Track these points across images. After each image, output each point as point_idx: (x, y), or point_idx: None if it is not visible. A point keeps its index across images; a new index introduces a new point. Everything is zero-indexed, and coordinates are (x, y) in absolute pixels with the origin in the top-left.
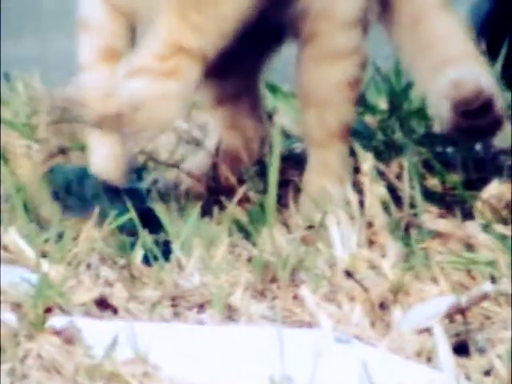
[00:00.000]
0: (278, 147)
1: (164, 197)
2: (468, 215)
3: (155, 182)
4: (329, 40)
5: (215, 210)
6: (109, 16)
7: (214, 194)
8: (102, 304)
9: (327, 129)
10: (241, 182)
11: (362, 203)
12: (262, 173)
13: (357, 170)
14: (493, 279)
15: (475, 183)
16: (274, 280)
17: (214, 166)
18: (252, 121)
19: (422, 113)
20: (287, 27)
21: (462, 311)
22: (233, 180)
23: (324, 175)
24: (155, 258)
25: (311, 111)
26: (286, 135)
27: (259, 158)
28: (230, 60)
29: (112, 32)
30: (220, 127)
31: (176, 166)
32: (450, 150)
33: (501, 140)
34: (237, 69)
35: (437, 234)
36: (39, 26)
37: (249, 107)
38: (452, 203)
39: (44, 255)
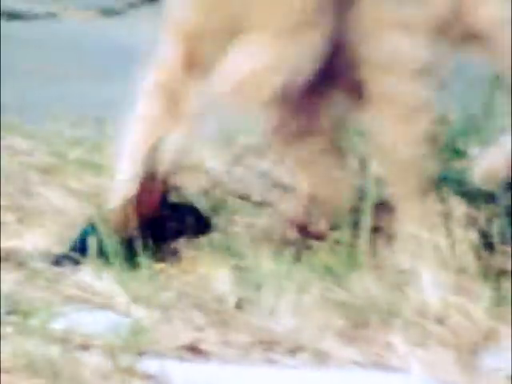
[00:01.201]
0: (371, 195)
1: (256, 240)
2: None
3: (248, 225)
4: (397, 96)
5: (307, 254)
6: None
7: (305, 238)
8: (194, 348)
9: (410, 185)
10: (332, 227)
11: (453, 248)
12: (355, 218)
13: (448, 216)
14: None
15: None
16: (364, 325)
17: (306, 211)
18: (330, 160)
19: None
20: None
21: None
22: (325, 225)
23: (414, 223)
24: (246, 302)
25: (392, 169)
26: (378, 182)
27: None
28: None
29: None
30: (303, 170)
31: (270, 206)
32: None
33: None
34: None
35: None
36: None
37: (324, 147)
38: None
39: (136, 300)
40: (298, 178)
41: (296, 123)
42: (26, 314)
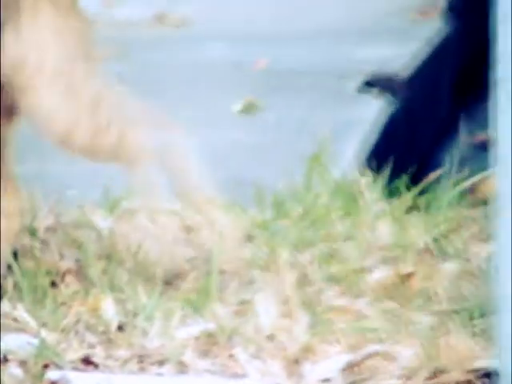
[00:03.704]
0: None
1: (132, 279)
2: (361, 293)
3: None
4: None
5: (172, 289)
6: None
7: (170, 278)
8: (87, 361)
9: None
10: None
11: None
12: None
13: (275, 261)
14: (379, 341)
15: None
16: (215, 343)
17: None
18: None
19: None
20: None
21: (356, 365)
22: (186, 268)
23: None
24: (126, 326)
25: None
26: None
27: None
28: None
29: None
30: None
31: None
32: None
33: None
34: None
35: (337, 307)
36: None
37: None
38: (349, 284)
39: (43, 325)
40: None
41: None
42: None
